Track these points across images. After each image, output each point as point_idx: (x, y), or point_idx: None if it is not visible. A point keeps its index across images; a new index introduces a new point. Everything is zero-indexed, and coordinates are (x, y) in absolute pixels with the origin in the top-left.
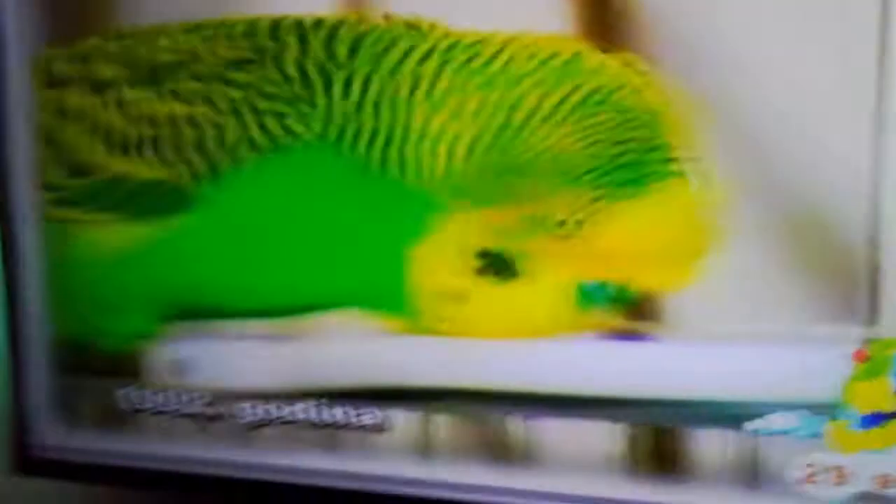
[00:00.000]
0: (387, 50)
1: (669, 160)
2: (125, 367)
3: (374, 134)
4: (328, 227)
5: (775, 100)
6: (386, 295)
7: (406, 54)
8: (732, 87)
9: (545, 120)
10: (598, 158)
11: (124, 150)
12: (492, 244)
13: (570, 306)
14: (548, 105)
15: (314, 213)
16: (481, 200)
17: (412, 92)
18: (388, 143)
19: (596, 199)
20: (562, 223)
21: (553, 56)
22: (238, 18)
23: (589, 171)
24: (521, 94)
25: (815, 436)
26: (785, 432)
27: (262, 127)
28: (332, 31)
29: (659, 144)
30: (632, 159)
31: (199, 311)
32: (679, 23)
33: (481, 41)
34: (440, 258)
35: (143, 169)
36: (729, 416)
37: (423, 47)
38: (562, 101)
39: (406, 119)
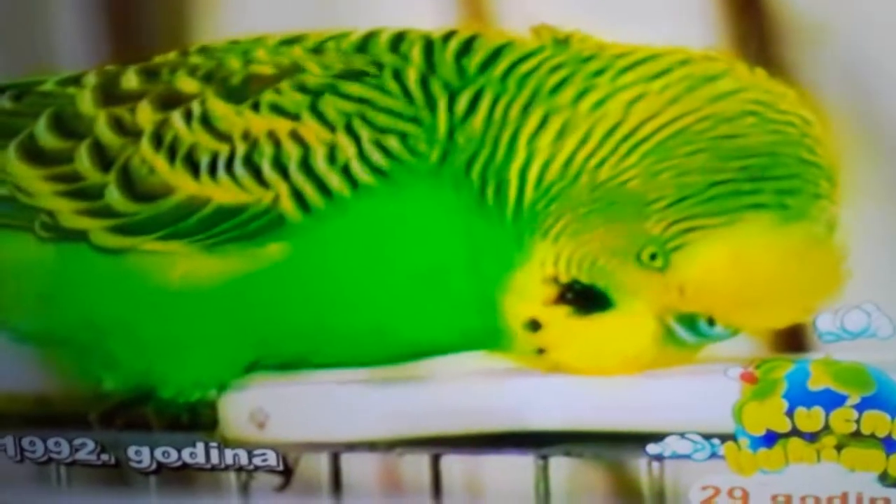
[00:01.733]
0: (518, 62)
1: (765, 192)
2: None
3: (478, 155)
4: (440, 262)
5: None
6: (487, 331)
7: (536, 67)
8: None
9: (638, 147)
10: (689, 188)
11: (207, 168)
12: (574, 275)
13: (659, 342)
14: (642, 132)
15: (424, 248)
16: (560, 231)
17: (526, 108)
18: (489, 162)
19: (688, 230)
20: (653, 256)
21: (678, 78)
22: (348, 31)
23: (678, 202)
24: (617, 117)
25: (716, 458)
26: (685, 456)
27: (380, 145)
28: (465, 43)
29: (775, 175)
30: (727, 189)
31: (283, 361)
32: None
33: (621, 55)
34: (530, 287)
35: (224, 191)
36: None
37: (561, 56)
38: (664, 126)
39: (513, 138)
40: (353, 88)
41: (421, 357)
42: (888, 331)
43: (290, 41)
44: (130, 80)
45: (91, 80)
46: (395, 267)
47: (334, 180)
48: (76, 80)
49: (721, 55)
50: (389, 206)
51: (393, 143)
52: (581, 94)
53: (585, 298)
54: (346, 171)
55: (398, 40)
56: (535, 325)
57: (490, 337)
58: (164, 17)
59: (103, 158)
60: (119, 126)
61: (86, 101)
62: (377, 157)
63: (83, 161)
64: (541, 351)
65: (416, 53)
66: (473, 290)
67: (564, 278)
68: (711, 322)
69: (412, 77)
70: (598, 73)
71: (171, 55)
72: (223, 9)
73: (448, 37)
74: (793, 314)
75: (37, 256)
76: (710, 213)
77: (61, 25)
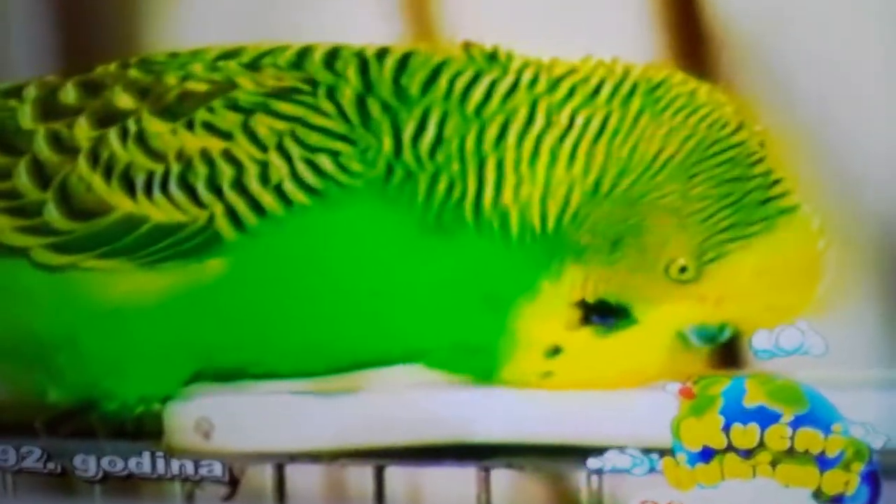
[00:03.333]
0: (471, 85)
1: (788, 194)
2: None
3: (455, 181)
4: (385, 283)
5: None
6: (466, 354)
7: (491, 89)
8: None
9: (670, 162)
10: (728, 198)
11: (143, 188)
12: (600, 294)
13: (681, 350)
14: (672, 146)
15: (368, 267)
16: (590, 252)
17: (502, 134)
18: (478, 192)
19: (724, 241)
20: (683, 269)
21: (667, 89)
22: (284, 45)
23: (717, 213)
24: (641, 135)
25: (654, 472)
26: (624, 470)
27: (312, 164)
28: (401, 62)
29: (778, 179)
30: (758, 197)
31: (224, 374)
32: (771, 51)
33: (571, 72)
34: (553, 313)
35: (161, 210)
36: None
37: (507, 81)
38: (687, 140)
39: (496, 165)
40: (285, 107)
41: (360, 368)
42: (821, 349)
43: (228, 55)
44: (69, 94)
45: (31, 92)
46: (331, 283)
47: (267, 199)
48: (17, 92)
49: (664, 66)
50: (324, 224)
51: (325, 161)
52: (564, 122)
53: (609, 317)
54: (278, 191)
55: (332, 57)
56: (555, 351)
57: (461, 359)
58: (116, 28)
59: (42, 175)
60: (57, 142)
61: (25, 116)
62: (309, 176)
63: (22, 178)
64: (547, 374)
65: (352, 72)
66: (431, 310)
67: (591, 299)
68: (726, 327)
69: (348, 96)
70: (568, 96)
71: (112, 67)
72: (174, 20)
73: (382, 54)
74: (810, 308)
75: None
76: (747, 222)
77: (13, 37)
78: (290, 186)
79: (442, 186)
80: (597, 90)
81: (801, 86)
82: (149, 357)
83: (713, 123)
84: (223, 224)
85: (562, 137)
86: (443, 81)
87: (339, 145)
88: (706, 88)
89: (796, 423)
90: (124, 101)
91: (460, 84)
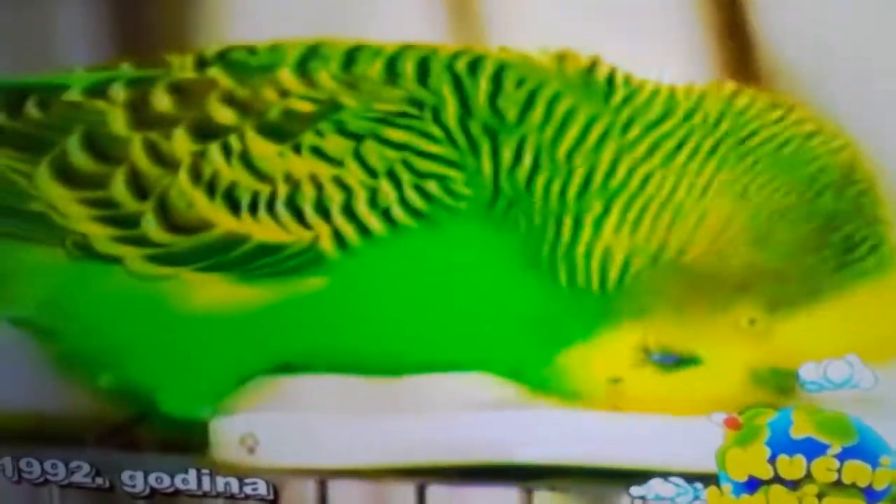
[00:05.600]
0: (567, 119)
1: (870, 255)
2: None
3: (544, 222)
4: (469, 304)
5: None
6: (520, 370)
7: (586, 129)
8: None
9: (743, 233)
10: (802, 263)
11: (248, 207)
12: (664, 345)
13: (748, 388)
14: (743, 214)
15: (457, 288)
16: (651, 311)
17: (588, 180)
18: (556, 238)
19: (794, 303)
20: (752, 321)
21: (757, 146)
22: (367, 46)
23: (786, 277)
24: (711, 203)
25: (698, 502)
26: (668, 499)
27: (421, 189)
28: (494, 80)
29: (863, 238)
30: (834, 263)
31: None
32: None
33: (664, 117)
34: (615, 352)
35: (265, 229)
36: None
37: (602, 122)
38: (780, 190)
39: (577, 211)
40: (396, 134)
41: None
42: (870, 382)
43: (311, 56)
44: (162, 100)
45: (119, 94)
46: (424, 300)
47: (374, 222)
48: (102, 92)
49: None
50: (426, 245)
51: (432, 186)
52: (648, 170)
53: (674, 362)
54: (386, 214)
55: (424, 71)
56: (617, 381)
57: (520, 374)
58: (167, 13)
59: (139, 187)
60: (155, 153)
61: (118, 122)
62: (417, 201)
63: (119, 188)
64: (616, 398)
65: (448, 93)
66: (514, 335)
67: (654, 349)
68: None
69: (451, 119)
70: (657, 144)
71: (188, 61)
72: (223, 6)
73: (474, 69)
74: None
75: (67, 272)
76: (816, 290)
77: (63, 20)
78: (397, 210)
79: (537, 221)
80: (678, 147)
81: (847, 117)
82: (221, 366)
83: (794, 189)
84: (327, 244)
85: (632, 198)
86: (539, 107)
87: (449, 171)
88: (801, 137)
89: (844, 456)
90: (224, 115)
91: (557, 114)
